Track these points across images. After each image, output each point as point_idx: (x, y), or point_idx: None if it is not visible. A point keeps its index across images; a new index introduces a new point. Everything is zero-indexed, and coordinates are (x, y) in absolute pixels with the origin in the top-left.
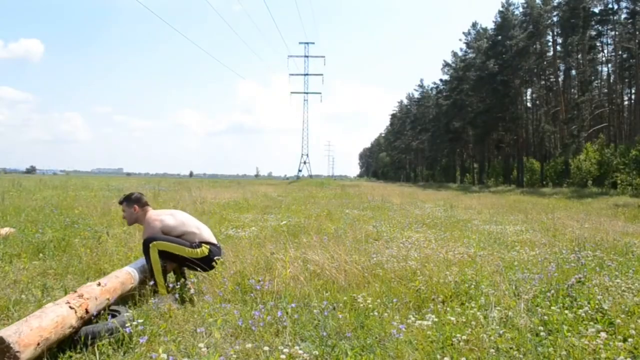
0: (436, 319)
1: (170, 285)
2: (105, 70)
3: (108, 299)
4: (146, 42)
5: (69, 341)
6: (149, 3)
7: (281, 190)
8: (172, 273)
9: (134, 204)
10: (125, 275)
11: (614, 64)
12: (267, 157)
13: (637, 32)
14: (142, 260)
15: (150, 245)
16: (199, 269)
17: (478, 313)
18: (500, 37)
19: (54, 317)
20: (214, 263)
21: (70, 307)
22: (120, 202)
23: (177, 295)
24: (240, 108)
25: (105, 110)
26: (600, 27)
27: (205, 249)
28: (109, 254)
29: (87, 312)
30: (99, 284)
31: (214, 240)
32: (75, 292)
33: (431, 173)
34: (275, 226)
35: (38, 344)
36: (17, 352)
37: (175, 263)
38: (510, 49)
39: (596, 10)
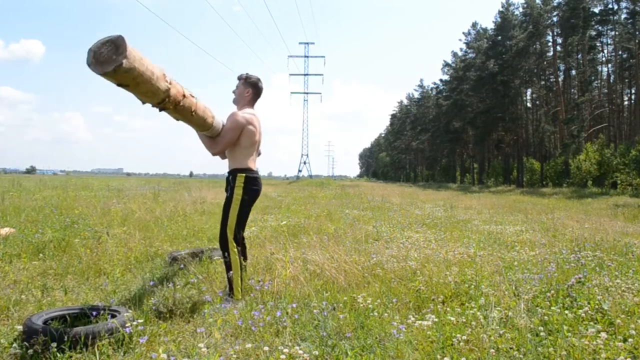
0: (436, 319)
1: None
2: None
3: (194, 111)
4: (146, 42)
5: (69, 341)
6: (149, 3)
7: (281, 190)
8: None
9: (250, 87)
10: (211, 113)
11: (614, 64)
12: (267, 157)
13: (637, 32)
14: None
15: (229, 242)
16: (252, 204)
17: (478, 313)
18: (500, 37)
19: (153, 69)
20: (256, 190)
21: (164, 76)
22: (240, 78)
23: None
24: None
25: (105, 110)
26: (600, 27)
27: (240, 181)
28: (109, 254)
29: (169, 96)
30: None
31: (254, 168)
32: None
33: (431, 173)
34: (275, 226)
35: (141, 60)
36: (123, 60)
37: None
38: (510, 49)
39: (596, 10)
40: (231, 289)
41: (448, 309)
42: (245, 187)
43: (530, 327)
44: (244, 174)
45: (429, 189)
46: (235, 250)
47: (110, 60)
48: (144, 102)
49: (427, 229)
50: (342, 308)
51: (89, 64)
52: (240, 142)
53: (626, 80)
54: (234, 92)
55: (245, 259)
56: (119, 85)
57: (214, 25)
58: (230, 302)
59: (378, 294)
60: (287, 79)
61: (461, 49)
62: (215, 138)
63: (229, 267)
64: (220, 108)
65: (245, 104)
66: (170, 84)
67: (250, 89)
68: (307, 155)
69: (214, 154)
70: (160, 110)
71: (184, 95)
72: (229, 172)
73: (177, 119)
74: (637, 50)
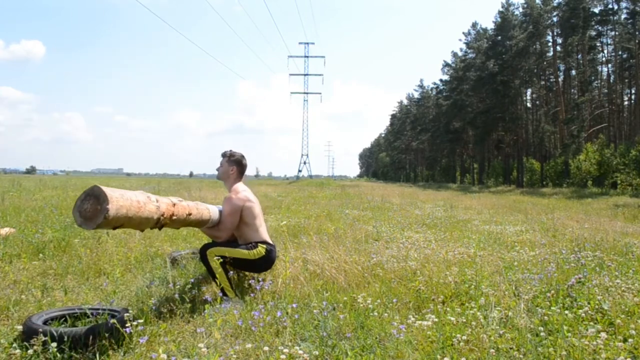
0: (436, 319)
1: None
2: (105, 70)
3: (189, 214)
4: (146, 43)
5: (69, 341)
6: (150, 3)
7: (281, 190)
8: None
9: (234, 165)
10: (204, 206)
11: (614, 64)
12: (267, 157)
13: (637, 32)
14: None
15: (208, 252)
16: (253, 271)
17: (478, 313)
18: (500, 37)
19: (137, 197)
20: (269, 263)
21: (149, 198)
22: (224, 155)
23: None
24: (240, 108)
25: (105, 110)
26: (600, 27)
27: (262, 249)
28: (109, 254)
29: (163, 213)
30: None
31: (269, 240)
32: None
33: (431, 173)
34: (275, 226)
35: (122, 196)
36: (108, 207)
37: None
38: (510, 49)
39: (596, 10)
40: (223, 292)
41: (448, 309)
42: (263, 257)
43: (530, 327)
44: (264, 245)
45: (429, 189)
46: (214, 257)
47: (96, 212)
48: (143, 230)
49: (427, 229)
50: (342, 308)
51: (80, 225)
52: (244, 220)
53: (626, 80)
54: (217, 169)
55: None
56: (114, 228)
57: (214, 25)
58: (229, 301)
59: (378, 294)
60: (287, 79)
61: (461, 49)
62: (218, 226)
63: (212, 273)
64: (219, 108)
65: (232, 182)
66: (157, 201)
67: (234, 167)
68: (307, 155)
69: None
70: (160, 228)
71: (173, 205)
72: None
73: (179, 228)
74: (637, 50)
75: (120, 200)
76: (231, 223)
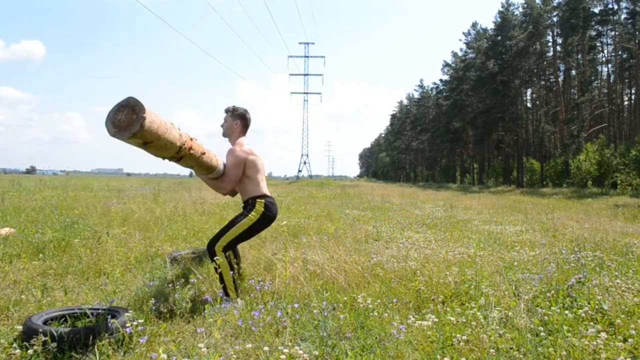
0: (436, 319)
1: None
2: (105, 70)
3: (203, 152)
4: (146, 43)
5: (69, 341)
6: (150, 3)
7: (281, 190)
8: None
9: (238, 119)
10: (213, 153)
11: (614, 64)
12: (267, 157)
13: (637, 32)
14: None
15: (216, 247)
16: (260, 231)
17: (478, 313)
18: (500, 37)
19: (165, 120)
20: (272, 218)
21: (172, 124)
22: (227, 111)
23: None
24: None
25: (106, 110)
26: (600, 27)
27: (260, 205)
28: (109, 254)
29: (184, 142)
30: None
31: (269, 194)
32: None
33: (431, 173)
34: (275, 226)
35: (154, 122)
36: (144, 115)
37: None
38: (510, 49)
39: (596, 10)
40: (225, 291)
41: (448, 309)
42: (264, 212)
43: (530, 327)
44: (263, 200)
45: (429, 189)
46: (222, 254)
47: (131, 121)
48: (164, 158)
49: (427, 229)
50: (342, 308)
51: (113, 135)
52: (247, 174)
53: (626, 80)
54: (222, 125)
55: (238, 259)
56: (144, 143)
57: (214, 25)
58: (229, 302)
59: (378, 294)
60: (287, 79)
61: (461, 49)
62: (221, 177)
63: (217, 270)
64: (219, 108)
65: (237, 137)
66: (179, 130)
67: (238, 121)
68: (307, 155)
69: (225, 194)
70: (178, 160)
71: (191, 139)
72: (245, 202)
73: (191, 166)
74: (637, 50)
75: (152, 115)
76: (235, 175)
